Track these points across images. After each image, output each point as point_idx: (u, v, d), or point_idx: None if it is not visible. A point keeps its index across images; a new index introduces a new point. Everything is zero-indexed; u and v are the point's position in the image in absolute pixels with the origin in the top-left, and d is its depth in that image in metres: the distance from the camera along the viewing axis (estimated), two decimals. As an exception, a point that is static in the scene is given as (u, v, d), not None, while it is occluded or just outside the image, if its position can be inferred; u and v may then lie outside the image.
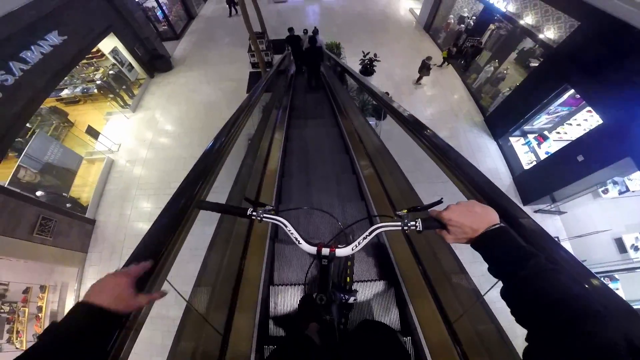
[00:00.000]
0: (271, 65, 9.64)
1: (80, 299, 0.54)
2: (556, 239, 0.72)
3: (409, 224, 0.74)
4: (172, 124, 8.51)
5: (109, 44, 8.99)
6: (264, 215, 0.86)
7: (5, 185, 5.45)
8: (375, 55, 8.40)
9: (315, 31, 8.62)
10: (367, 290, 1.81)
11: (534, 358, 0.45)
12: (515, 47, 8.33)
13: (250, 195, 2.26)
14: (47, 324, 5.00)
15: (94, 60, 9.78)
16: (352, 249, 0.81)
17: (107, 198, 6.91)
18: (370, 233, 0.79)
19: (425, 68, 8.84)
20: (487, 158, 7.42)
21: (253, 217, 0.85)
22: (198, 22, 14.01)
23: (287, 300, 1.77)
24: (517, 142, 7.45)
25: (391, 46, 11.53)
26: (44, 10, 6.59)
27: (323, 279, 0.86)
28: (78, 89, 9.17)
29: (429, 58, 8.73)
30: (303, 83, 8.06)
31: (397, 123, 2.01)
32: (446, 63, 10.39)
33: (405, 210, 0.76)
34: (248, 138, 2.77)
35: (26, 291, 5.71)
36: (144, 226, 6.36)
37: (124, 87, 9.08)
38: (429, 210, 0.77)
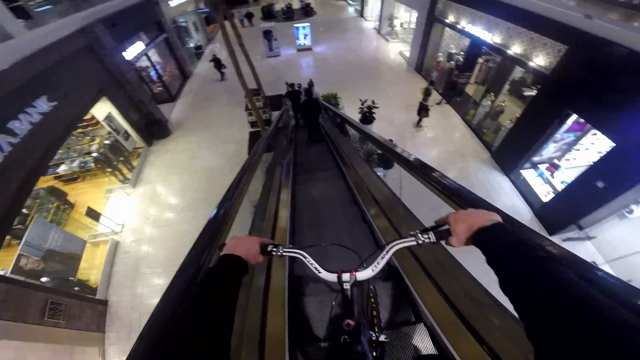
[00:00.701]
0: (270, 123, 10.09)
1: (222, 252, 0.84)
2: (593, 264, 0.77)
3: (422, 237, 0.85)
4: (174, 197, 8.71)
5: (102, 109, 9.05)
6: (284, 250, 0.94)
7: (8, 274, 5.62)
8: (373, 102, 8.99)
9: (310, 83, 9.32)
10: (397, 334, 1.82)
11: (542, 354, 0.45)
12: (508, 77, 8.93)
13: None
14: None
15: (89, 129, 9.94)
16: (372, 270, 0.88)
17: (117, 279, 7.07)
18: (387, 252, 0.87)
19: (423, 110, 9.51)
20: (503, 196, 7.57)
21: (274, 253, 0.93)
22: (193, 81, 15.11)
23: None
24: (529, 175, 7.63)
25: (387, 91, 12.41)
26: (32, 72, 6.48)
27: (347, 303, 0.91)
28: (75, 164, 9.15)
29: (425, 99, 9.39)
30: (304, 137, 8.41)
31: (404, 169, 2.11)
32: (444, 101, 11.15)
33: (417, 230, 0.87)
34: (253, 205, 2.93)
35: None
36: (156, 303, 6.40)
37: (121, 158, 9.22)
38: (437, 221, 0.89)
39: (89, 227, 7.86)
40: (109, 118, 9.24)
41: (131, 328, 6.25)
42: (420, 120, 10.01)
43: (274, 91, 12.29)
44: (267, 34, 15.62)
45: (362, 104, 9.12)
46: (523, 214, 7.19)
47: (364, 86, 12.69)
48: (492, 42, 8.77)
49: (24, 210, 7.67)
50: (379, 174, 4.16)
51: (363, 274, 0.89)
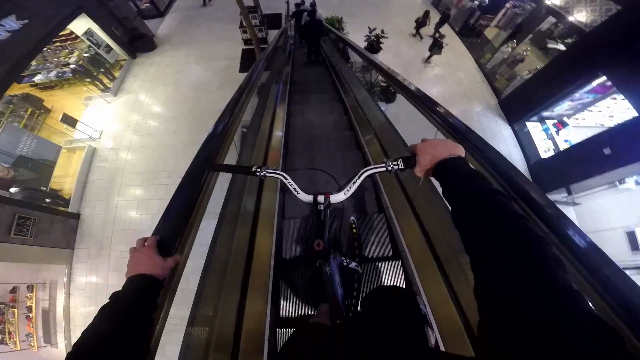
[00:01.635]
0: (266, 41, 9.52)
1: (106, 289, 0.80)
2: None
3: (392, 164, 0.87)
4: (158, 108, 8.42)
5: (81, 25, 8.71)
6: (267, 171, 0.98)
7: None
8: (382, 31, 8.31)
9: (313, 3, 8.47)
10: (374, 268, 1.92)
11: (485, 292, 0.45)
12: (536, 27, 8.22)
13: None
14: (39, 323, 4.94)
15: (68, 42, 9.53)
16: (344, 194, 0.93)
17: (91, 190, 6.84)
18: (359, 176, 0.92)
19: (437, 46, 8.81)
20: (501, 144, 7.40)
21: (257, 174, 0.97)
22: None
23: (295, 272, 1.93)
24: (534, 128, 7.38)
25: (396, 21, 11.43)
26: None
27: (320, 224, 0.94)
28: (52, 74, 8.97)
29: (441, 36, 8.68)
30: (303, 57, 8.06)
31: (408, 101, 2.06)
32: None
33: (389, 159, 0.89)
34: (242, 126, 2.79)
35: (13, 291, 5.80)
36: (132, 219, 6.33)
37: (102, 70, 8.93)
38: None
39: (64, 133, 7.58)
40: (88, 33, 8.88)
41: (102, 245, 6.12)
42: (430, 56, 9.36)
43: (272, 9, 11.32)
44: None
45: (370, 32, 8.38)
46: (517, 165, 6.99)
47: (372, 14, 11.73)
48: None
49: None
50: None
51: (336, 197, 0.94)
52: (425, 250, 1.75)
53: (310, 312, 1.79)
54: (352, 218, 1.69)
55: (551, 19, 7.61)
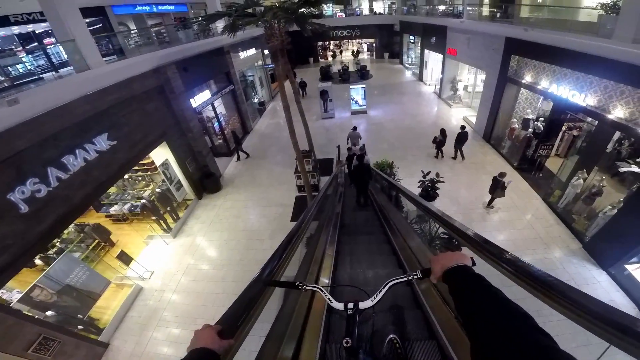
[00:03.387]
0: (317, 188, 9.80)
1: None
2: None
3: (412, 275, 1.12)
4: (212, 253, 8.63)
5: (161, 154, 9.21)
6: (307, 285, 1.30)
7: (13, 304, 5.61)
8: (437, 175, 8.17)
9: (362, 147, 8.97)
10: None
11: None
12: (604, 148, 7.62)
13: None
14: None
15: (148, 173, 10.20)
16: (372, 300, 1.15)
17: (128, 324, 6.94)
18: (384, 286, 1.16)
19: (498, 187, 8.28)
20: (598, 290, 6.53)
21: (299, 287, 1.29)
22: (252, 137, 15.60)
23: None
24: (636, 270, 6.31)
25: (450, 163, 11.40)
26: (99, 107, 6.46)
27: (349, 325, 1.08)
28: (127, 206, 9.51)
29: (502, 175, 8.21)
30: (352, 201, 8.03)
31: (476, 254, 1.80)
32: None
33: (411, 272, 1.16)
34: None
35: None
36: (158, 356, 6.24)
37: (169, 208, 9.39)
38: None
39: (117, 269, 7.88)
40: (165, 165, 9.45)
41: None
42: (492, 199, 8.72)
43: (325, 154, 12.13)
44: (324, 94, 16.19)
45: (424, 177, 8.28)
46: (627, 312, 5.53)
47: (422, 156, 11.89)
48: (584, 105, 7.67)
49: (59, 242, 8.05)
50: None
51: (365, 304, 1.14)
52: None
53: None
54: (392, 335, 1.61)
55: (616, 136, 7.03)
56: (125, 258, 7.66)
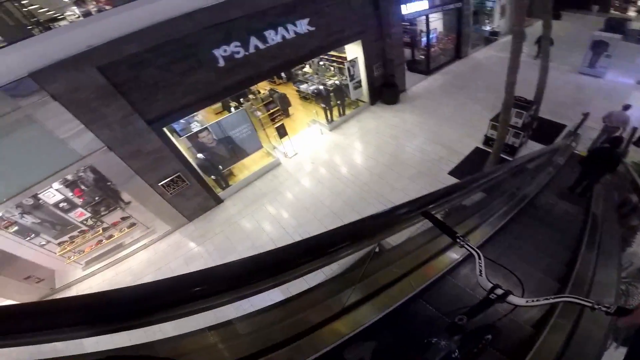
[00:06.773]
0: (514, 152, 7.30)
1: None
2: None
3: (602, 306, 0.89)
4: (345, 161, 8.28)
5: (353, 51, 9.23)
6: (466, 242, 1.20)
7: (182, 137, 6.80)
8: None
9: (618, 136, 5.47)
10: None
11: None
12: None
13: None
14: (100, 250, 6.74)
15: (339, 66, 10.36)
16: (526, 301, 0.99)
17: (247, 191, 7.73)
18: (556, 297, 0.97)
19: None
20: None
21: (457, 240, 1.21)
22: (462, 63, 12.90)
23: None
24: None
25: None
26: None
27: (479, 306, 1.03)
28: (312, 87, 10.07)
29: None
30: (560, 185, 5.70)
31: None
32: None
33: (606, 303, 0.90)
34: None
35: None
36: (247, 235, 6.64)
37: (339, 102, 9.43)
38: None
39: (271, 139, 8.75)
40: (352, 62, 9.30)
41: (207, 235, 6.74)
42: None
43: (555, 116, 8.50)
44: (599, 46, 10.69)
45: None
46: None
47: None
48: None
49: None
50: None
51: (515, 299, 1.00)
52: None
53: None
54: (488, 336, 1.41)
55: None
56: (282, 131, 8.10)
